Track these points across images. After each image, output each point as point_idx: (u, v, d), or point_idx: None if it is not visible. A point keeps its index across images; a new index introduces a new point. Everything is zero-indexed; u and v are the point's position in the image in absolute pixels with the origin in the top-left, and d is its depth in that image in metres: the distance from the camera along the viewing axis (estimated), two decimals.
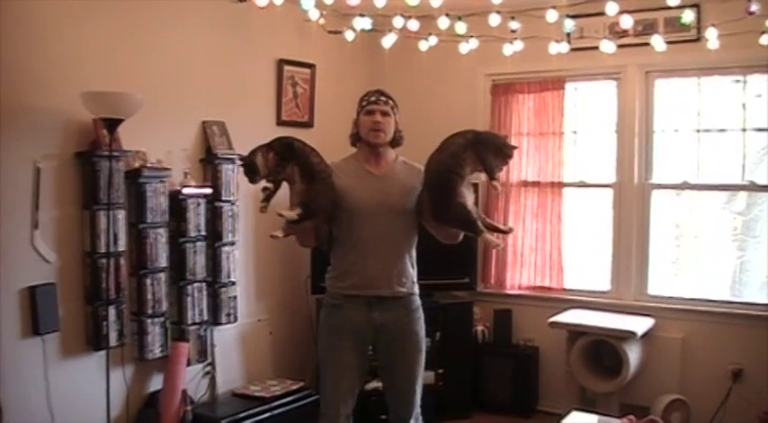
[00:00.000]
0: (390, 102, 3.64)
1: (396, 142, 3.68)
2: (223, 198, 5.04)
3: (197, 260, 4.86)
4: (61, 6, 4.19)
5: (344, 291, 3.55)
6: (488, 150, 3.40)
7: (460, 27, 5.06)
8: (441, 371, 5.54)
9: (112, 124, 4.14)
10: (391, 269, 3.54)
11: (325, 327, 3.65)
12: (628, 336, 5.08)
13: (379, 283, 3.53)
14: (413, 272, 3.64)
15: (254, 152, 3.37)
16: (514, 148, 3.49)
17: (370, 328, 3.55)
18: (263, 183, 3.37)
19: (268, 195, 3.36)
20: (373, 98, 3.61)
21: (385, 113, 3.59)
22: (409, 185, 3.56)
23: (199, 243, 4.88)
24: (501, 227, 3.56)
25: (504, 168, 5.86)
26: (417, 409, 3.67)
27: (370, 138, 3.57)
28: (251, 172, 3.35)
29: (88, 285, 4.32)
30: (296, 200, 3.35)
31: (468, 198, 3.36)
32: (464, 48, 5.31)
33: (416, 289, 3.66)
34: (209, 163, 5.06)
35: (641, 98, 5.55)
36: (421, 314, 3.68)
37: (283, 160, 3.34)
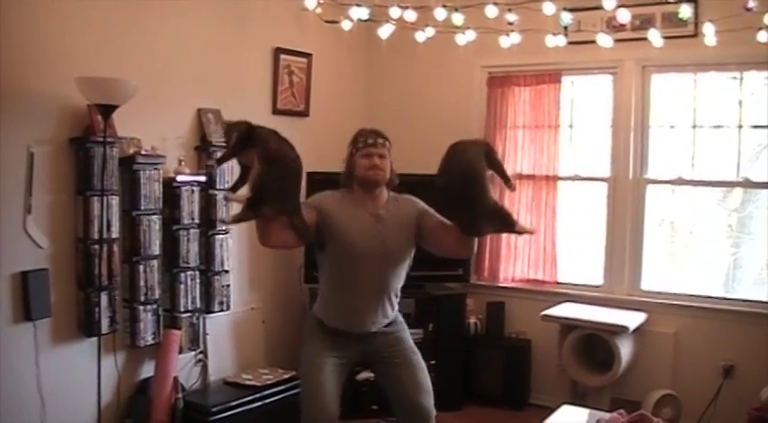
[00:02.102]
0: (387, 143, 3.61)
1: (390, 183, 3.64)
2: (217, 186, 5.02)
3: (190, 248, 4.86)
4: None
5: (333, 326, 3.59)
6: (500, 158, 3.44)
7: (457, 18, 5.06)
8: (433, 362, 5.51)
9: (107, 110, 4.12)
10: (382, 309, 3.60)
11: (308, 341, 3.66)
12: (620, 330, 5.09)
13: (369, 323, 3.58)
14: (397, 299, 3.71)
15: (227, 139, 3.35)
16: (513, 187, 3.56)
17: (358, 354, 3.63)
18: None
19: (236, 182, 3.31)
20: (371, 140, 3.56)
21: (382, 156, 3.56)
22: (405, 221, 3.57)
23: (192, 231, 4.87)
24: (527, 227, 3.66)
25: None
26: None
27: (368, 177, 3.53)
28: (220, 161, 3.35)
29: (81, 271, 4.32)
30: (249, 184, 3.20)
31: (495, 194, 3.36)
32: (461, 39, 5.30)
33: (397, 308, 3.72)
34: (203, 151, 5.04)
35: (637, 93, 5.54)
36: (405, 325, 3.76)
37: (244, 145, 3.23)
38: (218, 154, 3.24)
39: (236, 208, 3.25)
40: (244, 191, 3.20)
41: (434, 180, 3.34)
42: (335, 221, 3.47)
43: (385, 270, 3.55)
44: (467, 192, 3.27)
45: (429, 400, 3.63)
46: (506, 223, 3.32)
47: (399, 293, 3.70)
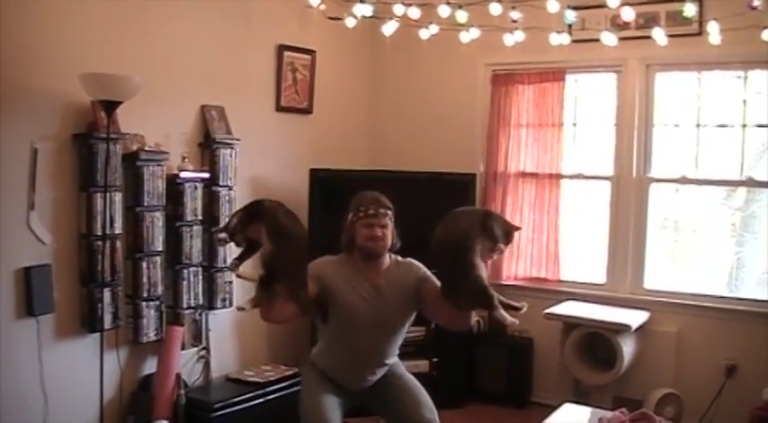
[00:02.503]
0: (389, 212, 3.56)
1: (392, 249, 3.62)
2: (220, 183, 5.03)
3: (193, 244, 4.86)
4: None
5: (333, 377, 3.62)
6: (498, 227, 3.35)
7: (461, 16, 5.05)
8: (435, 360, 5.54)
9: (111, 107, 4.12)
10: (379, 369, 3.63)
11: (308, 379, 3.68)
12: (622, 329, 5.08)
13: (365, 381, 3.61)
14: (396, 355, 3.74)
15: (232, 215, 3.29)
16: (518, 228, 3.49)
17: (356, 393, 3.64)
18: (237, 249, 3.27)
19: (241, 254, 3.25)
20: (371, 211, 3.51)
21: (384, 226, 3.52)
22: (405, 289, 3.56)
23: (195, 227, 4.87)
24: (514, 304, 3.38)
25: (503, 159, 5.94)
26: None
27: (369, 248, 3.51)
28: (223, 230, 3.22)
29: (84, 267, 4.32)
30: (260, 262, 3.17)
31: (483, 271, 3.27)
32: (465, 37, 5.29)
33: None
34: (207, 147, 5.04)
35: (641, 91, 5.53)
36: (398, 360, 3.78)
37: (251, 219, 3.19)
38: (222, 228, 3.17)
39: (244, 285, 3.30)
40: (249, 267, 3.22)
41: (429, 247, 3.30)
42: (334, 290, 3.46)
43: (383, 337, 3.58)
44: (453, 265, 3.24)
45: (433, 415, 3.61)
46: (487, 306, 3.26)
47: (398, 350, 3.72)
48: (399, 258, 3.68)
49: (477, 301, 3.27)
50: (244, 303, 3.21)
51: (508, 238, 3.40)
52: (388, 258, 3.63)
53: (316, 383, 3.61)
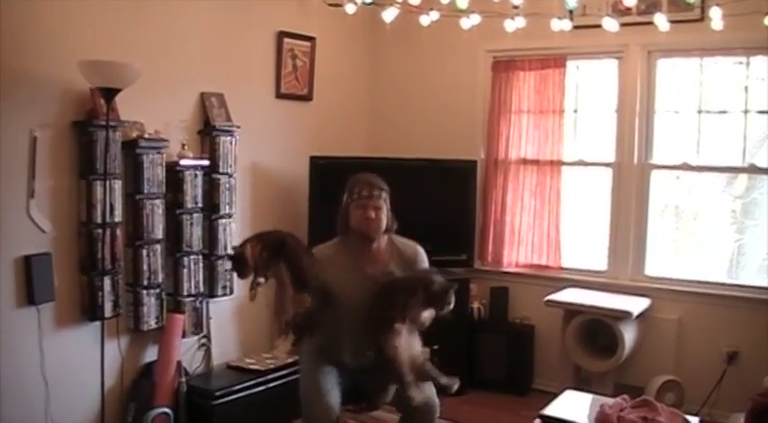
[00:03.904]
0: (383, 193, 3.57)
1: (387, 230, 3.62)
2: (220, 170, 5.01)
3: (193, 232, 4.85)
4: None
5: (329, 356, 3.62)
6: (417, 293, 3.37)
7: (462, 2, 5.02)
8: (436, 347, 5.53)
9: (110, 94, 4.09)
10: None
11: (309, 356, 3.69)
12: (623, 316, 5.08)
13: (366, 356, 3.53)
14: None
15: (243, 244, 3.31)
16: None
17: (355, 376, 3.62)
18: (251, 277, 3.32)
19: (257, 284, 3.32)
20: (365, 192, 3.53)
21: (377, 208, 3.53)
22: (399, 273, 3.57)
23: (195, 215, 4.86)
24: (443, 382, 3.46)
25: (504, 146, 5.92)
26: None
27: (363, 229, 3.53)
28: (239, 264, 3.25)
29: (84, 255, 4.31)
30: (289, 310, 3.29)
31: (404, 346, 3.29)
32: (465, 23, 5.27)
33: None
34: (207, 135, 5.03)
35: (643, 78, 5.51)
36: None
37: (273, 257, 3.25)
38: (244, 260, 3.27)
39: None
40: (281, 346, 3.32)
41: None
42: (332, 280, 3.47)
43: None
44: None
45: (431, 389, 3.61)
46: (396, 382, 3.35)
47: None
48: (401, 240, 3.69)
49: (386, 374, 3.34)
50: (280, 348, 3.34)
51: (437, 304, 3.42)
52: (385, 240, 3.63)
53: (314, 363, 3.61)
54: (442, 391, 3.50)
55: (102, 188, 4.27)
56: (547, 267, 5.88)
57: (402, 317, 3.28)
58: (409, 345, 3.31)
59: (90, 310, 4.33)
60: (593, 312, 5.21)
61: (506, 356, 5.82)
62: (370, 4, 5.32)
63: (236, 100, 5.19)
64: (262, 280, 3.26)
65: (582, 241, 5.96)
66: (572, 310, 5.34)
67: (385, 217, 3.56)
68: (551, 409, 3.96)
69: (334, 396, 3.50)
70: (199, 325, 4.96)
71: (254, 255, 3.23)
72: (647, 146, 5.57)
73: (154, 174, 4.56)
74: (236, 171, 5.14)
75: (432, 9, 5.25)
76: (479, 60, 6.09)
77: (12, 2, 3.91)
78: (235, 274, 3.44)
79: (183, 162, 4.75)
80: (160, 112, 4.72)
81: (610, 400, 3.93)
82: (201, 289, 4.95)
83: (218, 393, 4.69)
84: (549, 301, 5.41)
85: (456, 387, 3.47)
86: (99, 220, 4.28)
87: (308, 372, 3.63)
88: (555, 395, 4.26)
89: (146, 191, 4.51)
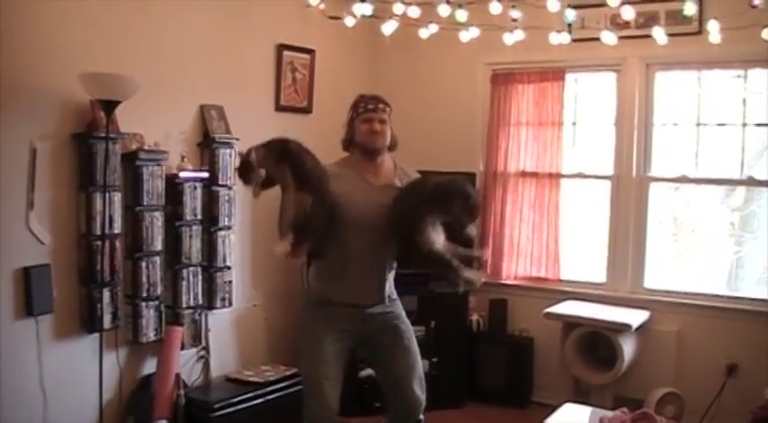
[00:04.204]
0: (387, 108, 3.60)
1: (391, 147, 3.65)
2: (220, 182, 5.02)
3: (192, 244, 4.85)
4: None
5: (328, 300, 3.56)
6: (455, 203, 3.40)
7: (461, 15, 5.05)
8: (435, 360, 5.53)
9: (110, 106, 4.11)
10: (379, 281, 3.60)
11: (308, 319, 3.64)
12: (623, 328, 5.08)
13: (367, 295, 3.57)
14: (392, 276, 3.69)
15: (248, 151, 3.32)
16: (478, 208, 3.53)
17: (357, 332, 3.59)
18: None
19: (263, 184, 3.32)
20: (371, 105, 3.56)
21: (383, 121, 3.55)
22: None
23: (195, 227, 4.86)
24: (473, 253, 3.53)
25: (502, 158, 5.93)
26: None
27: (368, 143, 3.53)
28: (246, 170, 3.28)
29: (83, 267, 4.31)
30: (290, 212, 3.27)
31: (437, 239, 3.34)
32: (465, 36, 5.30)
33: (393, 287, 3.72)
34: (206, 147, 5.03)
35: (641, 90, 5.52)
36: (400, 303, 3.74)
37: (278, 161, 3.28)
38: (246, 154, 3.27)
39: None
40: (281, 244, 3.27)
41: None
42: (339, 193, 3.45)
43: (383, 241, 3.51)
44: (403, 232, 3.38)
45: (421, 386, 3.63)
46: (448, 272, 3.40)
47: (394, 267, 3.68)
48: (404, 166, 3.71)
49: (437, 269, 3.40)
50: (278, 247, 3.27)
51: (471, 216, 3.46)
52: (389, 159, 3.66)
53: (314, 335, 3.55)
54: (468, 284, 3.50)
55: (102, 200, 4.27)
56: (546, 279, 5.88)
57: (436, 217, 3.34)
58: (437, 238, 3.36)
59: (89, 322, 4.32)
60: (593, 325, 5.20)
61: (505, 369, 5.81)
62: (369, 17, 5.35)
63: (235, 112, 5.20)
64: (262, 172, 3.26)
65: (581, 254, 5.96)
66: (571, 323, 5.34)
67: (389, 132, 3.59)
68: (551, 422, 3.96)
69: (335, 369, 3.50)
70: (197, 337, 4.95)
71: (259, 159, 3.26)
72: (645, 158, 5.58)
73: (153, 186, 4.56)
74: (236, 183, 5.14)
75: (431, 22, 5.27)
76: (478, 73, 6.10)
77: (12, 13, 3.92)
78: (240, 183, 3.46)
79: (182, 174, 4.76)
80: (160, 125, 4.72)
81: (609, 413, 3.92)
82: (200, 301, 4.94)
83: (216, 406, 4.68)
84: (548, 313, 5.41)
85: (481, 281, 3.53)
86: (98, 232, 4.28)
87: (309, 355, 3.57)
88: (554, 408, 4.25)
89: (145, 203, 4.51)
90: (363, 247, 3.48)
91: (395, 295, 3.73)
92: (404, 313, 3.73)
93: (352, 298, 3.55)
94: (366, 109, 3.55)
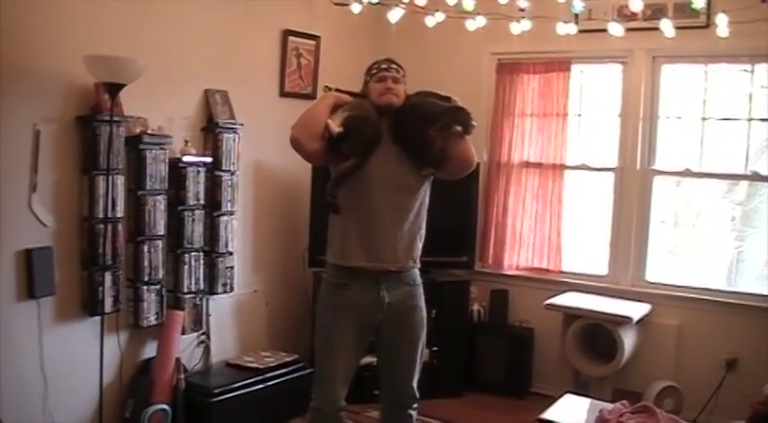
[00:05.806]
0: (401, 70, 3.63)
1: None
2: (223, 167, 5.01)
3: (195, 229, 4.85)
4: None
5: (351, 263, 3.47)
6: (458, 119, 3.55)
7: (468, 3, 5.02)
8: (435, 349, 5.53)
9: (114, 89, 4.10)
10: (399, 242, 3.49)
11: (326, 305, 3.58)
12: (623, 321, 5.08)
13: (387, 256, 3.47)
14: (420, 245, 3.60)
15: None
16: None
17: (378, 307, 3.49)
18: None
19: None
20: (384, 65, 3.60)
21: (396, 80, 3.57)
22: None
23: (197, 212, 4.86)
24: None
25: (506, 149, 5.92)
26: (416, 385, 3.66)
27: (383, 101, 3.52)
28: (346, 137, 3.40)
29: (85, 250, 4.31)
30: (351, 105, 3.50)
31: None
32: (471, 25, 5.27)
33: (419, 263, 3.62)
34: (210, 132, 5.02)
35: (647, 83, 5.51)
36: (422, 289, 3.65)
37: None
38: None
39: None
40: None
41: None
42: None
43: (400, 199, 3.49)
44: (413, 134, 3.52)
45: (415, 383, 3.63)
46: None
47: (423, 238, 3.61)
48: None
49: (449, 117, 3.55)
50: (332, 123, 3.40)
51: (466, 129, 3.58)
52: None
53: (333, 326, 3.52)
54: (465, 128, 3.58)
55: (105, 183, 4.27)
56: (547, 271, 5.88)
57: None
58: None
59: (90, 305, 4.32)
60: (593, 317, 5.21)
61: (506, 359, 5.81)
62: (375, 4, 5.33)
63: (239, 97, 5.19)
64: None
65: (583, 245, 5.96)
66: (572, 315, 5.34)
67: (403, 91, 3.60)
68: (550, 413, 3.97)
69: (346, 382, 3.52)
70: (198, 322, 4.96)
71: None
72: (649, 151, 5.57)
73: (156, 170, 4.55)
74: (239, 168, 5.14)
75: (437, 10, 5.25)
76: (484, 62, 6.09)
77: None
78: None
79: (185, 158, 4.75)
80: (164, 109, 4.72)
81: (609, 405, 3.94)
82: (202, 286, 4.94)
83: (216, 391, 4.69)
84: (549, 304, 5.41)
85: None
86: (101, 215, 4.28)
87: (325, 345, 3.55)
88: (554, 399, 4.26)
89: (148, 187, 4.51)
90: (382, 207, 3.45)
91: (419, 280, 3.64)
92: (423, 303, 3.65)
93: (374, 261, 3.46)
94: (380, 69, 3.59)
